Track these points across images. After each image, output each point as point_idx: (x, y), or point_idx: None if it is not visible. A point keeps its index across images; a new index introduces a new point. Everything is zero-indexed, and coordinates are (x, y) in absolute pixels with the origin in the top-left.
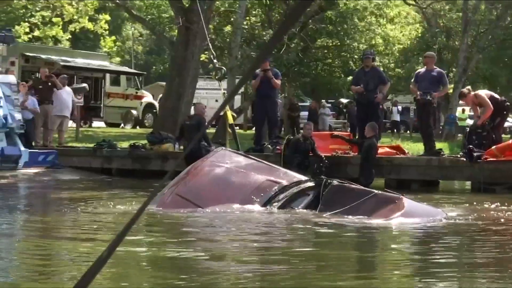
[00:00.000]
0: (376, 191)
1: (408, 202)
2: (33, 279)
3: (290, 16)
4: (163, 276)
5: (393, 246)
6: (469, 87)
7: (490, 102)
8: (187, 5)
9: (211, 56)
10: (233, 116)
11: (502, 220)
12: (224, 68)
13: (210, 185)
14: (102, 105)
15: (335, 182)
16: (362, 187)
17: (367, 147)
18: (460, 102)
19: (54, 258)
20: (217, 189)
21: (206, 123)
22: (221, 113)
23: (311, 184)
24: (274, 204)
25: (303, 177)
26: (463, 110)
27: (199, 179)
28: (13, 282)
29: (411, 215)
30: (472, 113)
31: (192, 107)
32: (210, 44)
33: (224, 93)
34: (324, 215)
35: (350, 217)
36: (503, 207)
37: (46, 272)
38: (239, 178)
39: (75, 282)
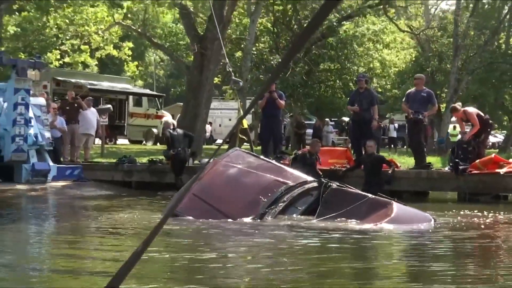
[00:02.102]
0: (370, 195)
1: (398, 206)
2: (65, 278)
3: (296, 43)
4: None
5: (384, 254)
6: (459, 103)
7: (477, 120)
8: (201, 33)
9: (230, 69)
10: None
11: (484, 226)
12: (241, 81)
13: (223, 185)
14: (126, 124)
15: (334, 185)
16: (358, 191)
17: (379, 160)
18: (452, 119)
19: (82, 259)
20: (229, 189)
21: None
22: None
23: (314, 184)
24: (280, 204)
25: (308, 178)
26: (454, 127)
27: (213, 180)
28: (47, 281)
29: (401, 218)
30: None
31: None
32: (227, 59)
33: (239, 108)
34: (316, 220)
35: (343, 222)
36: (486, 215)
37: (76, 272)
38: (249, 179)
39: (103, 281)
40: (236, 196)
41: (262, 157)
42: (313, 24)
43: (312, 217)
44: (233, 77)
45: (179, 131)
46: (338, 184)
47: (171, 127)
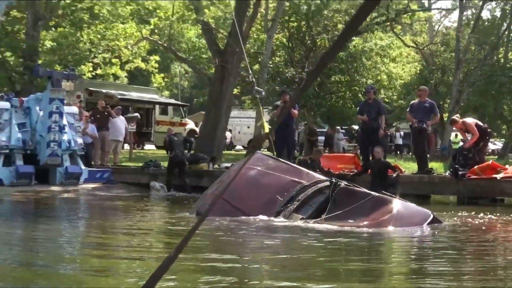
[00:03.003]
0: (374, 193)
1: (400, 202)
2: (95, 278)
3: (318, 65)
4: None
5: (388, 254)
6: (458, 115)
7: (476, 129)
8: (222, 48)
9: (252, 79)
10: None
11: (483, 227)
12: (263, 90)
13: (244, 187)
14: (152, 131)
15: (342, 184)
16: (364, 190)
17: (385, 165)
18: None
19: (111, 259)
20: (249, 190)
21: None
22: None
23: (326, 183)
24: (295, 202)
25: (322, 177)
26: (456, 135)
27: (235, 181)
28: (80, 281)
29: (402, 213)
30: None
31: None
32: (251, 75)
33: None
34: (324, 218)
35: (349, 221)
36: (483, 216)
37: (106, 272)
38: (268, 180)
39: (132, 281)
40: (255, 196)
41: (280, 159)
42: (351, 26)
43: (323, 215)
44: (256, 87)
45: (180, 137)
46: (346, 183)
47: (173, 133)
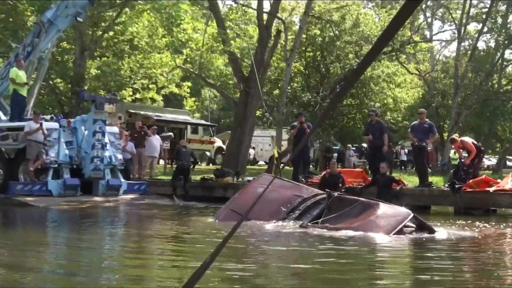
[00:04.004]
0: (361, 199)
1: (384, 205)
2: (132, 281)
3: (338, 93)
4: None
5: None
6: (456, 134)
7: (474, 147)
8: (246, 75)
9: (264, 110)
10: (278, 152)
11: (479, 235)
12: (271, 118)
13: (252, 200)
14: None
15: (335, 194)
16: (353, 197)
17: (390, 180)
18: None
19: (149, 262)
20: (257, 204)
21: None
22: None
23: (324, 196)
24: (296, 211)
25: (319, 191)
26: (455, 152)
27: (246, 197)
28: (116, 285)
29: (386, 213)
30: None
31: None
32: (264, 103)
33: (272, 136)
34: (320, 221)
35: (342, 222)
36: (478, 225)
37: (143, 274)
38: (273, 195)
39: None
40: (262, 208)
41: (284, 178)
42: (389, 31)
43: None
44: (266, 113)
45: (188, 149)
46: (338, 193)
47: (183, 145)
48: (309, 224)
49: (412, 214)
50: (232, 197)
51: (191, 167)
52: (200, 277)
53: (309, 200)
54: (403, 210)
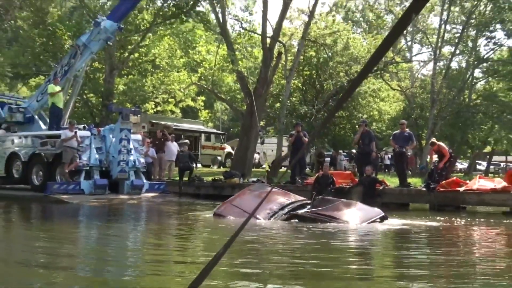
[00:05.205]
0: (341, 199)
1: (359, 204)
2: (149, 278)
3: (335, 107)
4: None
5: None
6: (434, 139)
7: (447, 151)
8: (252, 90)
9: (259, 129)
10: (268, 165)
11: (449, 226)
12: (264, 136)
13: (247, 200)
14: (199, 154)
15: (319, 197)
16: (334, 198)
17: (374, 180)
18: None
19: (164, 260)
20: (250, 203)
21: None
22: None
23: (308, 201)
24: (285, 209)
25: (304, 198)
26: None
27: (242, 197)
28: (132, 281)
29: (362, 208)
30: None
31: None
32: (258, 123)
33: (264, 152)
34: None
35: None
36: (450, 219)
37: (162, 268)
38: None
39: (180, 281)
40: (255, 206)
41: (276, 187)
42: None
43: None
44: (259, 128)
45: (186, 152)
46: (322, 196)
47: (181, 149)
48: (299, 212)
49: (382, 213)
50: (232, 197)
51: (193, 165)
52: (207, 274)
53: (296, 202)
54: (376, 209)
